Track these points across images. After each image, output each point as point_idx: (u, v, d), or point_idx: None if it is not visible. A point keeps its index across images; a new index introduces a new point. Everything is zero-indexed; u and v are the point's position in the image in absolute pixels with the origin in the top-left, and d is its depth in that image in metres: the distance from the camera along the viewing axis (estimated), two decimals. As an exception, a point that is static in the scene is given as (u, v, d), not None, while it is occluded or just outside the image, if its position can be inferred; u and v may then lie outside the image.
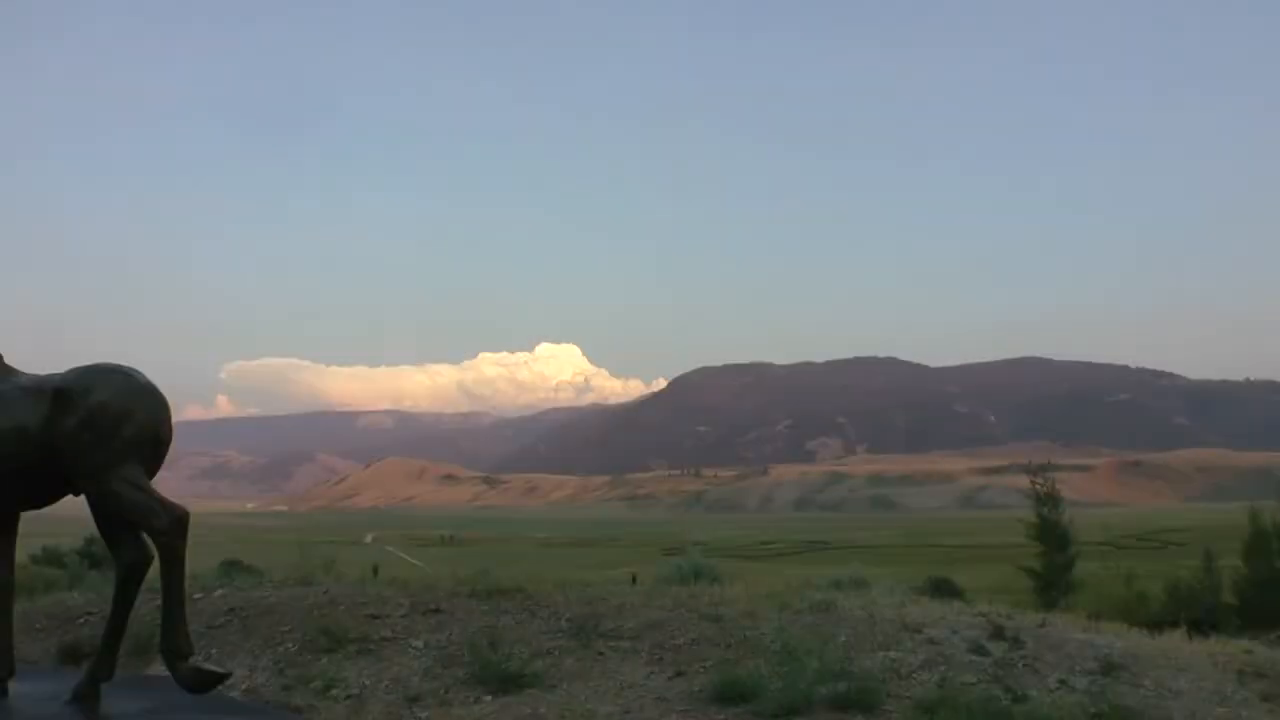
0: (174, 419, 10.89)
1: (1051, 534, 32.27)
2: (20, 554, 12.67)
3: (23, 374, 11.00)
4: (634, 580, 20.79)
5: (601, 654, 11.40)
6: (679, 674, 10.62)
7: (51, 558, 42.62)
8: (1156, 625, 16.58)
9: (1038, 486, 33.42)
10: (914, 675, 10.32)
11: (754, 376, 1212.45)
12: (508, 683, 10.45)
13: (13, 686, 10.98)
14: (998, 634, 11.66)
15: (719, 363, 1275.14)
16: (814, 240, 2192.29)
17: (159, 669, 11.32)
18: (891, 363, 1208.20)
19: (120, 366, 10.70)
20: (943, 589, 24.56)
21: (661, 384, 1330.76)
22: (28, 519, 11.55)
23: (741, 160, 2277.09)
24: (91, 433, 10.05)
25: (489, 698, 10.28)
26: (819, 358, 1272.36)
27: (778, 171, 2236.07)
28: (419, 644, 12.05)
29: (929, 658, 10.80)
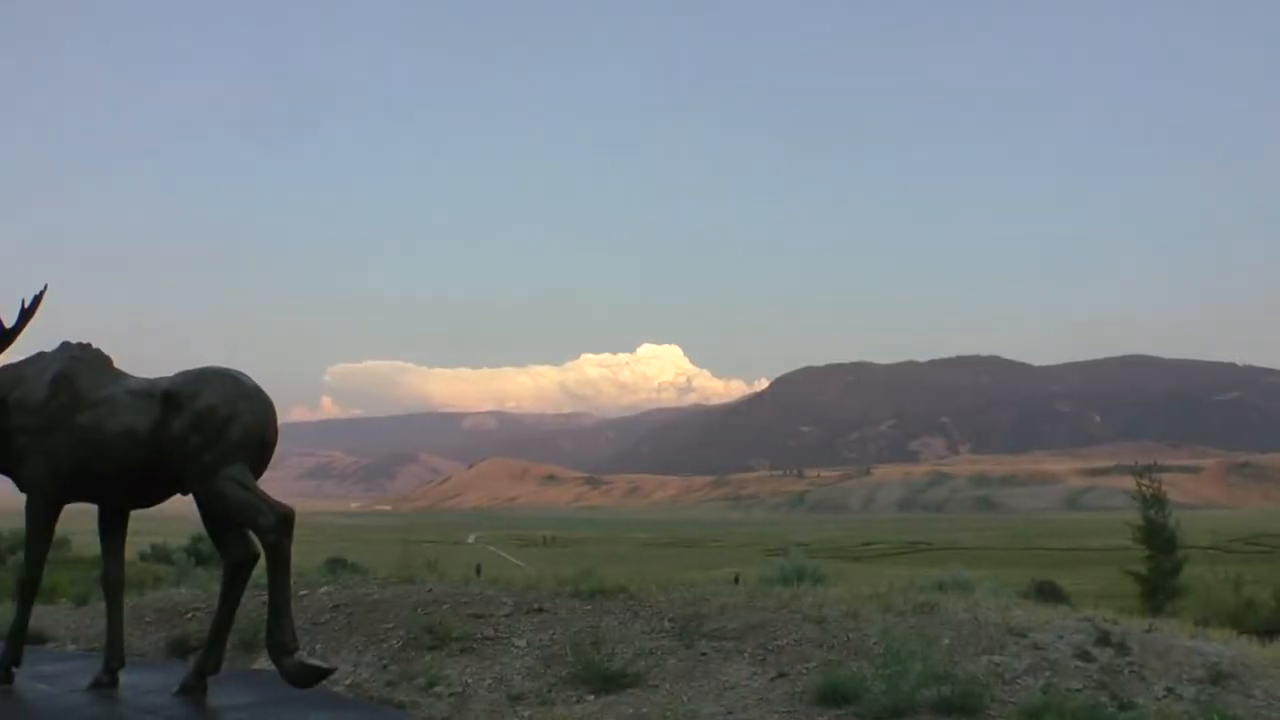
0: (280, 420, 10.99)
1: (1158, 537, 31.76)
2: (130, 551, 12.87)
3: (132, 378, 11.19)
4: (737, 581, 20.70)
5: (704, 654, 11.34)
6: (782, 675, 10.54)
7: (160, 555, 43.56)
8: (1267, 633, 16.20)
9: (1143, 488, 32.90)
10: (1018, 680, 10.12)
11: (856, 376, 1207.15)
12: (610, 682, 10.42)
13: (123, 677, 11.23)
14: (1103, 639, 11.40)
15: (821, 362, 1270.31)
16: (916, 239, 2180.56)
17: (265, 663, 11.46)
18: (995, 362, 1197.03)
19: (227, 370, 10.83)
20: (1047, 592, 24.23)
21: (764, 384, 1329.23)
22: (137, 517, 11.75)
23: (841, 160, 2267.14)
24: (199, 435, 10.18)
25: (591, 697, 10.26)
26: (922, 357, 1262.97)
27: (878, 171, 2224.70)
28: (522, 643, 12.06)
29: (1034, 663, 10.60)
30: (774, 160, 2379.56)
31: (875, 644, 10.83)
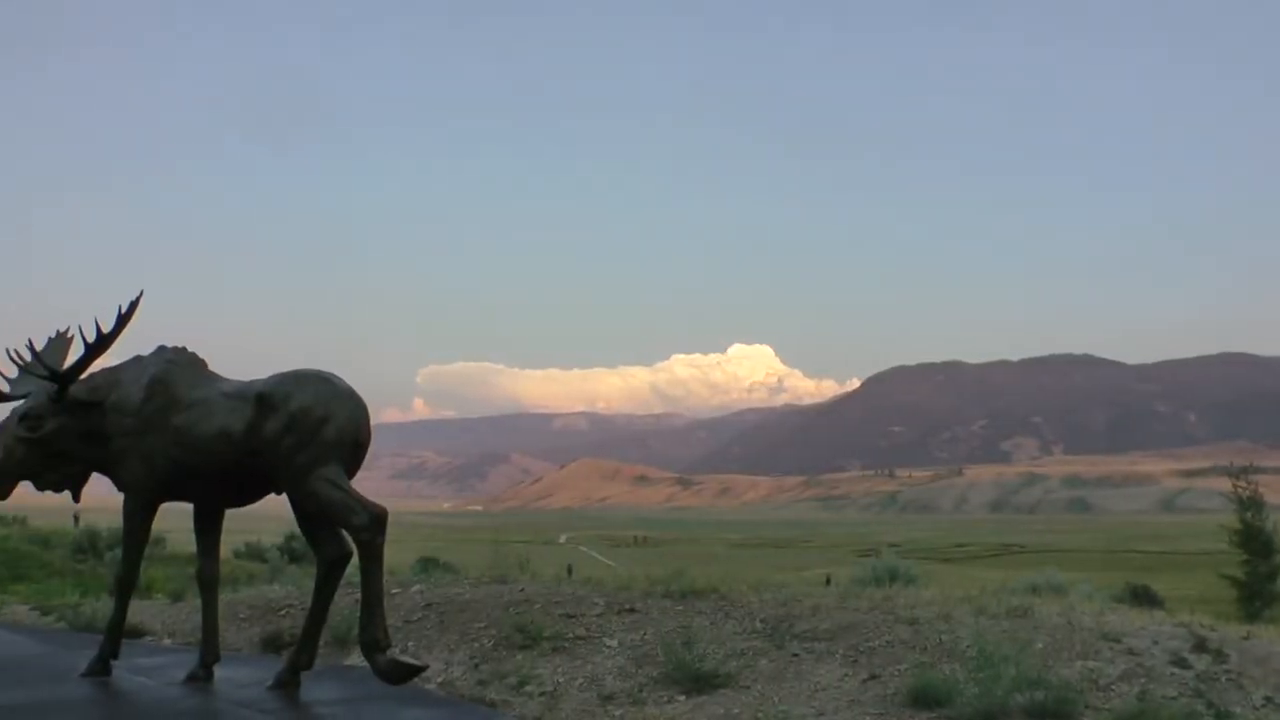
0: (372, 422, 11.08)
1: (1255, 540, 31.16)
2: (224, 549, 13.03)
3: (227, 380, 11.33)
4: (828, 582, 20.62)
5: (796, 655, 11.26)
6: (873, 677, 10.44)
7: (254, 552, 44.14)
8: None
9: (1240, 490, 32.28)
10: (1113, 687, 9.88)
11: (948, 375, 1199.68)
12: (701, 683, 10.37)
13: (218, 671, 11.39)
14: (1200, 646, 11.11)
15: (913, 362, 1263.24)
16: (1009, 236, 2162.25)
17: (357, 660, 11.53)
18: (1088, 360, 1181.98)
19: (320, 372, 10.94)
20: (1142, 597, 23.82)
21: (855, 384, 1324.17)
22: (231, 516, 11.87)
23: (930, 159, 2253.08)
24: (293, 436, 10.29)
25: (682, 697, 10.21)
26: (1014, 356, 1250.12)
27: (969, 169, 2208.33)
28: (613, 643, 12.05)
29: (1128, 669, 10.37)
30: (865, 159, 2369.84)
31: (968, 647, 10.69)
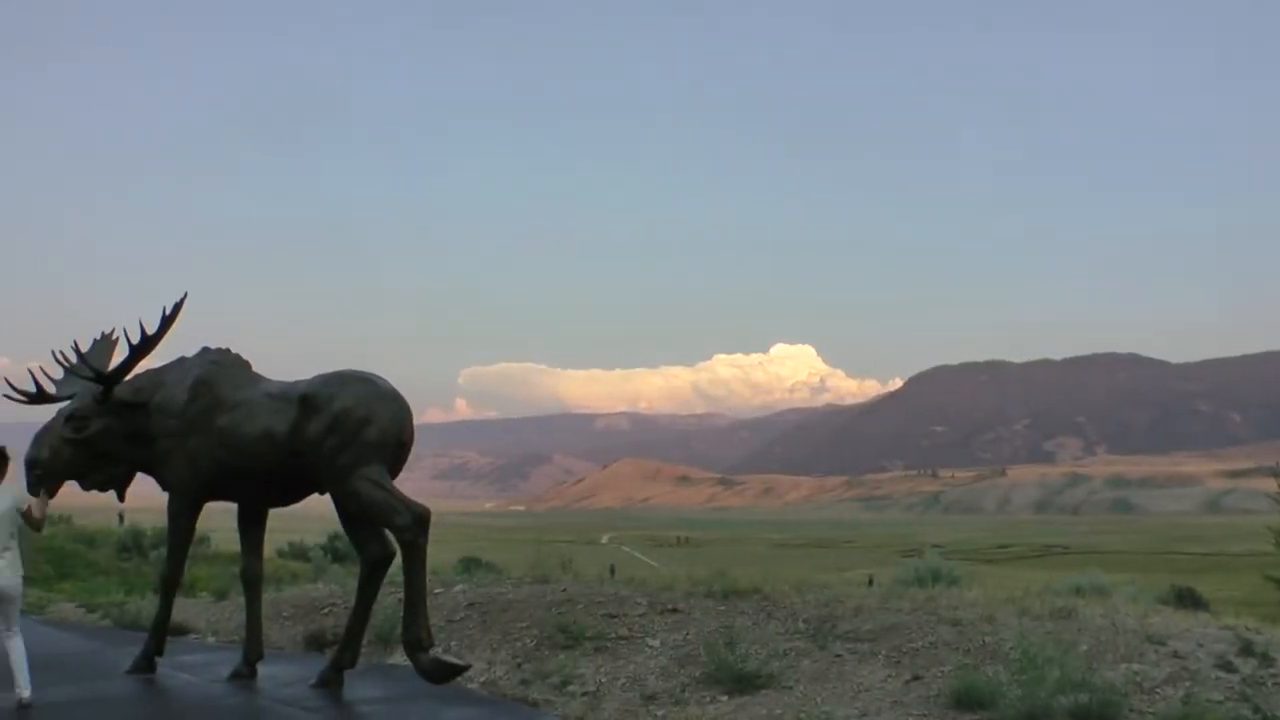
0: (415, 422, 11.19)
1: (1300, 542, 30.85)
2: (268, 548, 13.13)
3: (270, 381, 11.47)
4: (871, 582, 20.60)
5: (839, 656, 11.26)
6: (916, 678, 10.42)
7: (297, 552, 44.41)
8: None
9: (1285, 491, 31.97)
10: (1157, 690, 9.82)
11: (991, 375, 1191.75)
12: (744, 683, 10.38)
13: (262, 669, 11.59)
14: (1246, 650, 11.05)
15: (955, 361, 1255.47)
16: (1051, 234, 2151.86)
17: (400, 659, 11.61)
18: (1132, 359, 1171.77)
19: (363, 373, 11.10)
20: (1187, 599, 23.60)
21: (898, 383, 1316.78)
22: (275, 515, 11.97)
23: (971, 158, 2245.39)
24: (336, 437, 10.44)
25: (725, 698, 10.22)
26: (1057, 355, 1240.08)
27: (1010, 167, 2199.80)
28: (655, 643, 12.08)
29: (1173, 672, 10.31)
30: (903, 159, 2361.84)
31: (1011, 649, 10.66)
